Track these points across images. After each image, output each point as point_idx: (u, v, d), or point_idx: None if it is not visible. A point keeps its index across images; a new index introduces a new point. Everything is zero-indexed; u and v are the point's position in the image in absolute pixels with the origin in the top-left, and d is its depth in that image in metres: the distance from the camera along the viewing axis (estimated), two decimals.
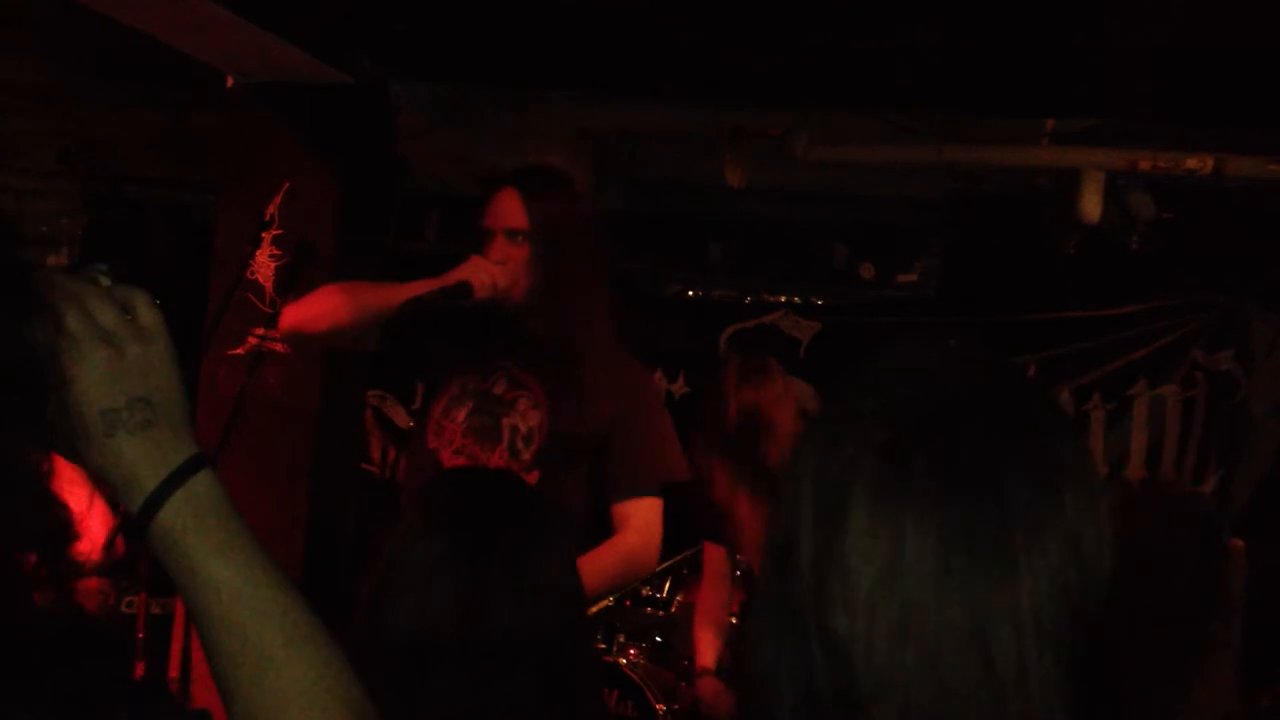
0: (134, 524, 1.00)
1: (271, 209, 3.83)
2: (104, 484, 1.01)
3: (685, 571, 4.79)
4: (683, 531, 4.65)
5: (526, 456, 2.90)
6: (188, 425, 1.03)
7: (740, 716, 1.01)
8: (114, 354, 0.99)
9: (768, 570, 0.99)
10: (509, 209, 2.87)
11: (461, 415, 2.94)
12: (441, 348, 3.00)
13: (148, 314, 1.02)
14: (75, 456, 0.99)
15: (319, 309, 2.93)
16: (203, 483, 1.01)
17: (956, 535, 0.91)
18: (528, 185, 2.89)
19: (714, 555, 3.81)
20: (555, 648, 1.69)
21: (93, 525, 3.02)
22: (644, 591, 4.84)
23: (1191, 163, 4.53)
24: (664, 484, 2.97)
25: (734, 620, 3.82)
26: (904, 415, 0.96)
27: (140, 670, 3.57)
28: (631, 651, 4.60)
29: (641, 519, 2.91)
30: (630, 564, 2.92)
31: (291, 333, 3.01)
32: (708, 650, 3.71)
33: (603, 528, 2.93)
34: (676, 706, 4.26)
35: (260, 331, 3.80)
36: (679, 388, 5.88)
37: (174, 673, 3.72)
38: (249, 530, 1.03)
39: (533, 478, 2.90)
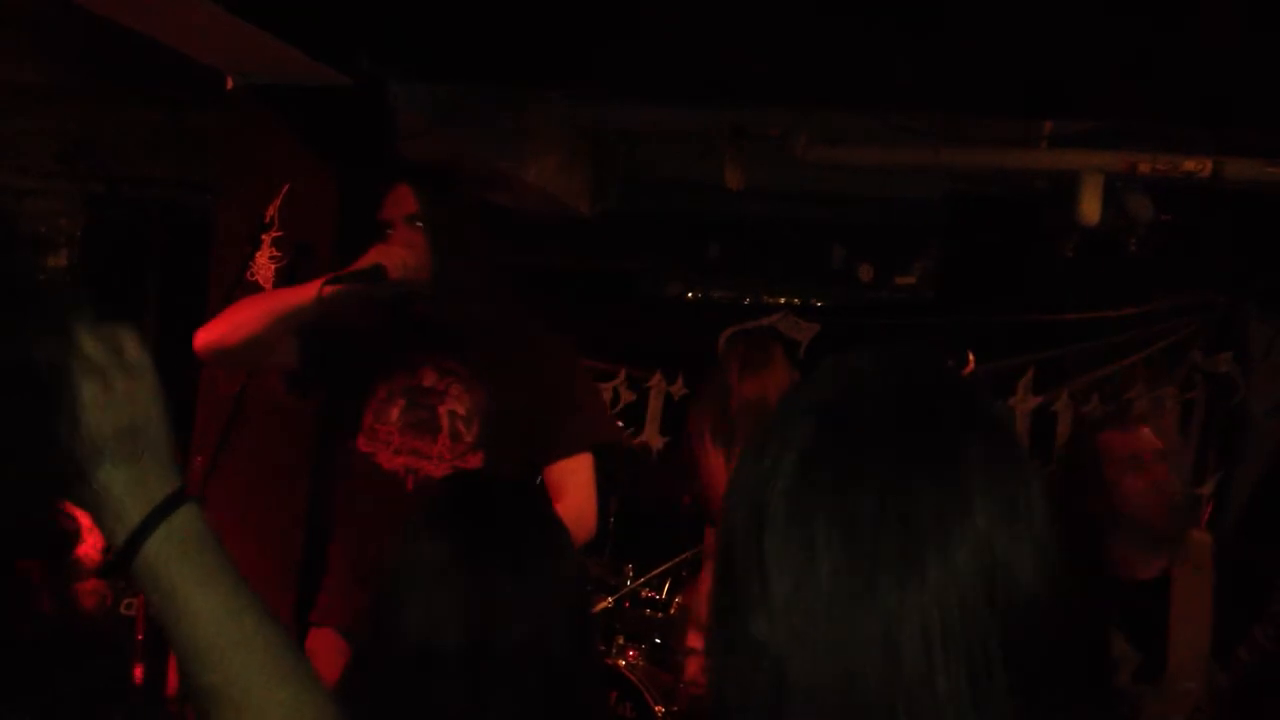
0: (119, 556, 1.01)
1: (271, 210, 3.82)
2: (90, 514, 1.01)
3: (685, 573, 4.79)
4: (681, 532, 4.68)
5: (469, 439, 2.98)
6: (172, 459, 1.04)
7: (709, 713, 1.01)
8: (102, 387, 0.99)
9: (715, 575, 1.00)
10: (404, 200, 3.02)
11: (395, 414, 3.01)
12: (357, 353, 3.07)
13: (134, 349, 1.02)
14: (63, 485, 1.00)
15: (231, 323, 2.97)
16: (186, 516, 1.02)
17: (862, 540, 0.91)
18: (418, 180, 3.05)
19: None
20: (561, 653, 1.68)
21: (94, 528, 3.02)
22: (643, 593, 4.84)
23: (1190, 165, 4.53)
24: (593, 444, 3.10)
25: None
26: (819, 421, 0.96)
27: (139, 672, 3.57)
28: (630, 653, 4.60)
29: (577, 478, 3.02)
30: (574, 529, 2.96)
31: (209, 352, 3.01)
32: (701, 631, 3.71)
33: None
34: (675, 708, 4.26)
35: None
36: (678, 389, 5.88)
37: (173, 674, 3.72)
38: (231, 563, 1.04)
39: (478, 458, 2.96)
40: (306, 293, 2.91)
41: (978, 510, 0.91)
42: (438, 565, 1.69)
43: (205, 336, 2.98)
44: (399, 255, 2.93)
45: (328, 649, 3.01)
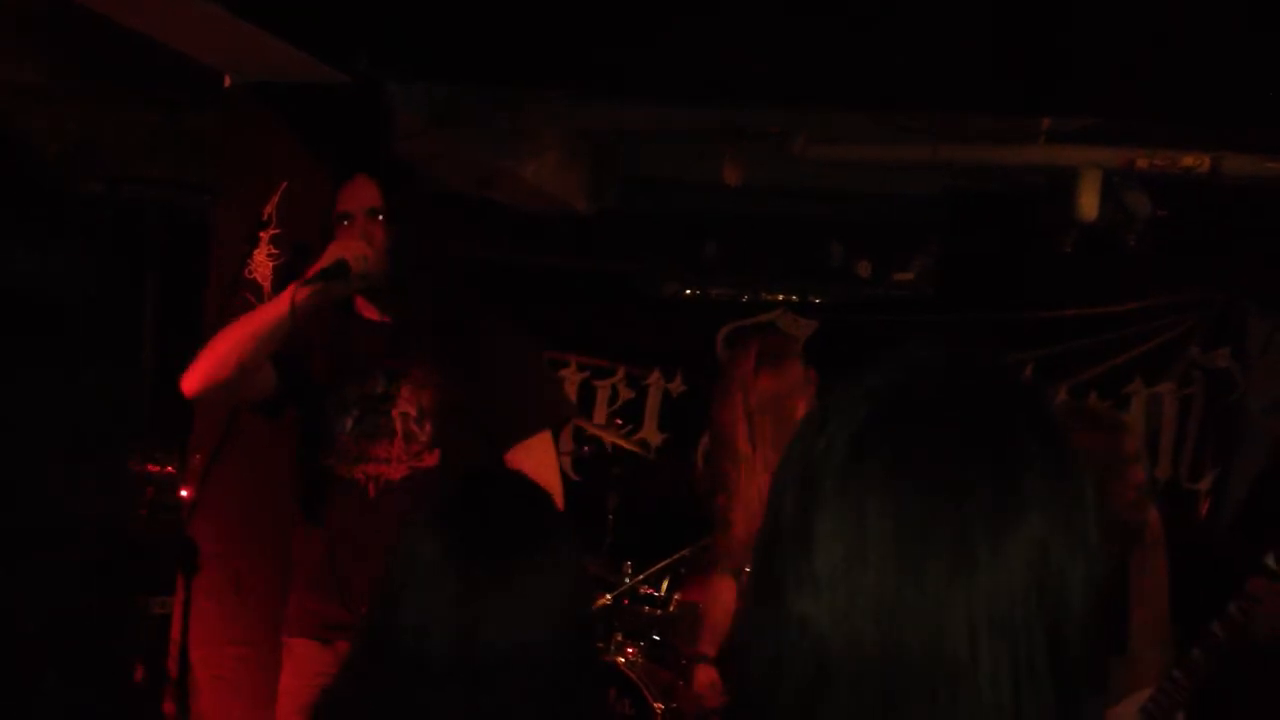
0: None
1: (269, 209, 3.83)
2: None
3: (683, 570, 4.80)
4: (681, 531, 4.68)
5: (424, 438, 2.98)
6: None
7: (731, 694, 1.03)
8: None
9: (758, 552, 1.01)
10: (366, 192, 3.01)
11: (349, 424, 3.02)
12: (314, 368, 3.07)
13: None
14: None
15: (218, 355, 2.93)
16: None
17: (913, 527, 0.92)
18: (379, 173, 3.06)
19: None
20: (556, 658, 1.64)
21: None
22: (642, 590, 4.84)
23: (1188, 161, 4.53)
24: (550, 423, 3.13)
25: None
26: (875, 407, 0.97)
27: (139, 671, 3.57)
28: (629, 650, 4.61)
29: (536, 457, 3.00)
30: None
31: (202, 391, 2.97)
32: (710, 637, 3.67)
33: None
34: (674, 705, 4.27)
35: None
36: (676, 386, 5.89)
37: (173, 673, 3.73)
38: None
39: (434, 456, 2.96)
40: (280, 306, 2.89)
41: (1033, 511, 0.92)
42: (430, 565, 1.65)
43: (194, 378, 2.94)
44: (358, 248, 2.92)
45: (304, 659, 3.03)
